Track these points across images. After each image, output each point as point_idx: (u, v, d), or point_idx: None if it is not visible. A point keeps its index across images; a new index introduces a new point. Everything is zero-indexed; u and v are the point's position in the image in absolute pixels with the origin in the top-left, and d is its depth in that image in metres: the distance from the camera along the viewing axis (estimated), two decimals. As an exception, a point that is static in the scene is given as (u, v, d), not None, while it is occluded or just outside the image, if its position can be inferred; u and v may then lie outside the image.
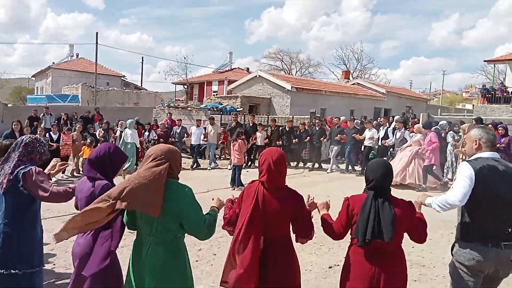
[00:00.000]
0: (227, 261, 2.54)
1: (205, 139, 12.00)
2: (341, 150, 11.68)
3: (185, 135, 12.11)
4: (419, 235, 2.57)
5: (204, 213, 2.40)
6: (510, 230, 2.61)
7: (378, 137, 10.82)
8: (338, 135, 11.49)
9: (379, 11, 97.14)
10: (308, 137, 11.90)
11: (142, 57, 44.64)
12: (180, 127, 12.30)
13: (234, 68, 39.58)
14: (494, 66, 24.12)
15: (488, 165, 2.64)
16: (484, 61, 24.70)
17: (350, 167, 11.54)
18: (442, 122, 10.79)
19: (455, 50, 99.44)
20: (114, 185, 2.51)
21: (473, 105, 30.78)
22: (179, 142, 11.98)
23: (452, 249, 2.79)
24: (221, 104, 17.62)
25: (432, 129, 9.62)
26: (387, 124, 11.26)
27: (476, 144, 2.79)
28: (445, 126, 10.36)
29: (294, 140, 11.94)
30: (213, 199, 2.68)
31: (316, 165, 11.96)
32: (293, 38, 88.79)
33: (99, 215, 2.22)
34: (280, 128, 12.46)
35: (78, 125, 10.48)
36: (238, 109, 17.11)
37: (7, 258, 2.78)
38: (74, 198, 2.86)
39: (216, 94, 28.91)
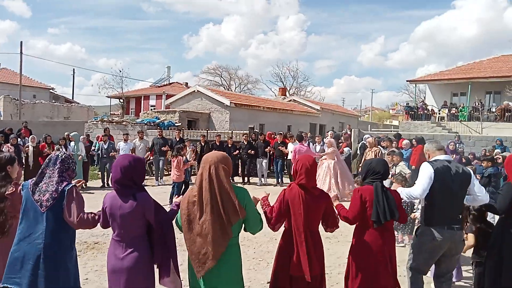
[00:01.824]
0: (298, 253, 2.89)
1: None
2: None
3: (113, 150, 11.34)
4: (405, 216, 3.36)
5: None
6: (460, 216, 3.39)
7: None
8: (268, 147, 12.00)
9: (313, 32, 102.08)
10: (237, 151, 12.19)
11: (74, 69, 42.28)
12: (108, 143, 11.47)
13: (173, 83, 39.03)
14: (415, 85, 26.32)
15: (443, 166, 3.35)
16: (407, 81, 26.90)
17: (280, 180, 11.97)
18: (366, 135, 11.57)
19: (382, 70, 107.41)
20: (148, 193, 2.72)
21: (399, 121, 33.20)
22: (107, 158, 11.22)
23: (416, 231, 3.52)
24: (159, 119, 17.22)
25: (303, 142, 10.54)
26: (308, 138, 11.87)
27: (427, 155, 3.64)
28: (366, 138, 11.15)
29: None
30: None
31: (246, 179, 12.30)
32: (232, 54, 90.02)
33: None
34: (211, 143, 12.58)
35: None
36: (176, 124, 16.83)
37: (47, 279, 2.66)
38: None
39: (154, 109, 28.25)
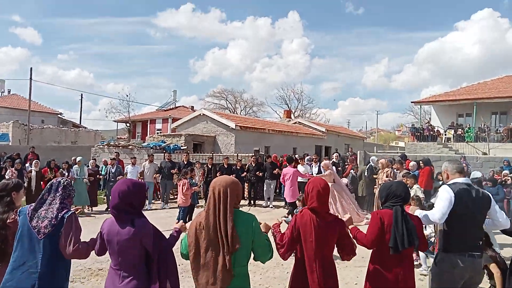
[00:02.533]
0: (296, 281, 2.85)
1: (140, 178, 11.59)
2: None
3: (120, 174, 11.49)
4: (426, 244, 3.19)
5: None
6: (480, 243, 3.20)
7: (312, 173, 11.32)
8: (276, 169, 11.99)
9: (317, 55, 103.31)
10: (245, 173, 12.23)
11: (82, 94, 43.27)
12: (115, 166, 11.70)
13: (179, 106, 39.47)
14: (420, 107, 26.35)
15: (463, 189, 3.19)
16: (412, 102, 27.00)
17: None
18: (373, 157, 11.52)
19: (386, 92, 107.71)
20: (147, 219, 2.62)
21: (405, 142, 33.10)
22: (114, 182, 11.34)
23: (435, 259, 3.28)
24: (165, 142, 17.33)
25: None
26: (318, 160, 11.77)
27: (445, 174, 3.44)
28: (374, 160, 11.07)
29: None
30: (260, 224, 2.73)
31: (251, 202, 12.25)
32: (237, 78, 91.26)
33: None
34: (218, 165, 12.65)
35: None
36: (182, 147, 16.90)
37: None
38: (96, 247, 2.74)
39: (160, 132, 28.46)
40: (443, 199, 3.16)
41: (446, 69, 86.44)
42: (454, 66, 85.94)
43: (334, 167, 10.67)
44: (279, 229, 3.01)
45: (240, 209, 2.57)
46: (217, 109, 41.01)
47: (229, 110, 45.04)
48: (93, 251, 2.74)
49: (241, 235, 2.37)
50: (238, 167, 12.48)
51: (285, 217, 8.55)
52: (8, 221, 3.01)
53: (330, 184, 9.18)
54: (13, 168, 10.70)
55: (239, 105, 48.31)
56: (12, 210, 3.10)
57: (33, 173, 10.54)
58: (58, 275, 2.69)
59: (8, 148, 18.79)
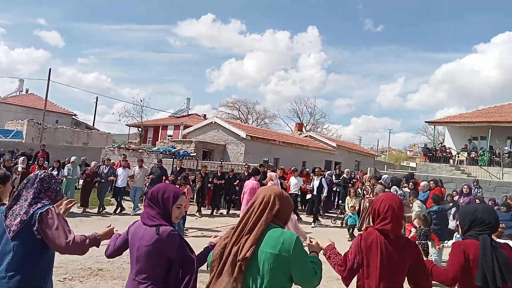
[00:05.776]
0: None
1: (130, 180, 11.40)
2: None
3: (112, 175, 11.38)
4: None
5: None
6: None
7: (312, 186, 11.68)
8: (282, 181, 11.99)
9: (333, 71, 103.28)
10: (237, 181, 12.21)
11: (97, 97, 43.97)
12: (108, 167, 11.54)
13: (192, 114, 39.79)
14: (434, 127, 26.03)
15: None
16: (426, 122, 26.66)
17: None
18: (385, 176, 11.38)
19: (401, 111, 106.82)
20: (176, 230, 2.35)
21: (416, 163, 32.66)
22: (106, 182, 11.28)
23: None
24: (174, 148, 17.38)
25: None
26: (321, 174, 12.00)
27: None
28: (387, 179, 10.87)
29: (220, 182, 12.12)
30: (311, 241, 2.39)
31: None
32: (251, 89, 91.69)
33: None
34: (213, 172, 12.76)
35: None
36: (191, 154, 16.92)
37: None
38: (109, 245, 2.52)
39: (171, 139, 28.62)
40: None
41: (462, 91, 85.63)
42: (471, 89, 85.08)
43: (278, 180, 10.36)
44: (336, 250, 2.60)
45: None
46: (229, 118, 41.16)
47: (241, 121, 45.15)
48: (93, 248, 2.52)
49: (270, 257, 1.95)
50: (230, 176, 12.40)
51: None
52: None
53: None
54: (6, 163, 10.56)
55: (251, 116, 48.48)
56: None
57: (19, 169, 10.19)
58: (32, 278, 2.37)
59: (21, 145, 19.07)
